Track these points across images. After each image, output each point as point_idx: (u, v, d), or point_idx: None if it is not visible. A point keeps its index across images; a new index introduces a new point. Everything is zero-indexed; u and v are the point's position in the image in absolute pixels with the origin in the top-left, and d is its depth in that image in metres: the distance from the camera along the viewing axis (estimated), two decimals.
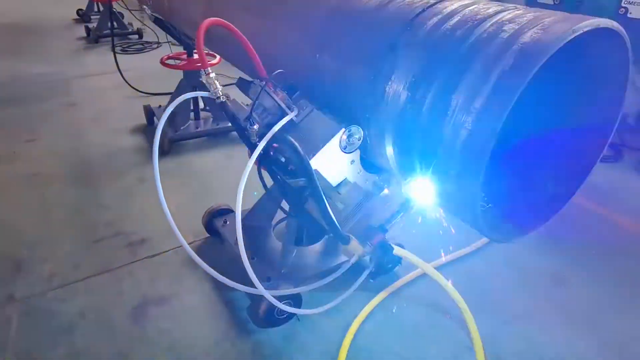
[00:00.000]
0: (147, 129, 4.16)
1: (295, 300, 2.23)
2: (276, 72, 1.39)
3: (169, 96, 4.05)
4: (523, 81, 0.94)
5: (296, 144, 1.23)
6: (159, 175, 1.38)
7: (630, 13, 3.15)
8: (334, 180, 1.39)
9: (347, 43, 1.40)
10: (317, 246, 2.61)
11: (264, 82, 1.49)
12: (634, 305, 2.41)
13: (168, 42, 4.44)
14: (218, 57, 3.82)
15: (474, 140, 1.00)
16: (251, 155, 1.35)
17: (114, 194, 3.24)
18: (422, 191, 1.22)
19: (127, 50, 6.42)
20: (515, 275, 2.63)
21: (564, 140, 1.35)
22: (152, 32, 6.67)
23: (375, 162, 1.44)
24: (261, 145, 1.28)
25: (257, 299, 2.22)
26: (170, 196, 3.30)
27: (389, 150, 1.30)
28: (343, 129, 1.33)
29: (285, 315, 2.26)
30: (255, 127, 1.38)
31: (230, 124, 3.94)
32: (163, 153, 3.70)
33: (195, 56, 3.82)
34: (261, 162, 1.52)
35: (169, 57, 3.72)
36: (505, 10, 1.12)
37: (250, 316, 2.28)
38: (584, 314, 2.36)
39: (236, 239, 2.47)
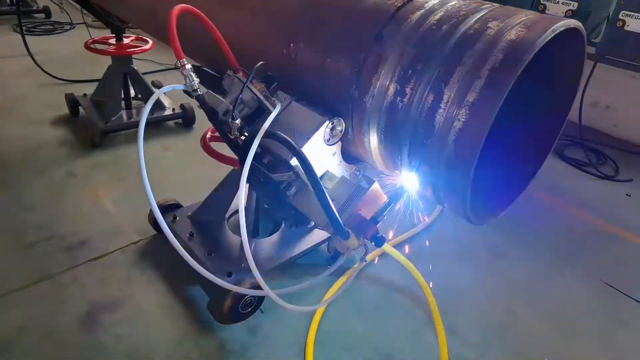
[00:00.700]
0: (72, 120, 3.79)
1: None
2: (259, 64, 1.35)
3: (95, 84, 3.71)
4: (514, 75, 1.01)
5: (289, 139, 1.21)
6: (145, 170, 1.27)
7: (548, 10, 3.48)
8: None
9: (326, 33, 1.40)
10: (274, 237, 2.59)
11: (240, 73, 1.43)
12: (563, 274, 2.72)
13: (85, 23, 4.03)
14: (151, 41, 3.58)
15: (468, 132, 1.06)
16: (244, 153, 1.27)
17: (41, 193, 2.93)
18: (410, 182, 1.27)
19: (33, 31, 5.75)
20: (459, 250, 2.84)
21: (524, 127, 1.48)
22: (60, 12, 6.05)
23: (355, 153, 1.46)
24: (255, 143, 1.23)
25: (218, 295, 2.17)
26: (107, 192, 3.09)
27: (373, 141, 1.32)
28: (327, 121, 1.33)
29: (249, 310, 2.23)
30: (237, 122, 1.33)
31: (163, 115, 3.82)
32: (93, 146, 3.40)
33: (126, 40, 3.54)
34: (242, 157, 1.47)
35: (95, 41, 3.40)
36: (484, 7, 1.18)
37: (213, 313, 2.22)
38: (522, 282, 2.63)
39: (189, 234, 2.39)
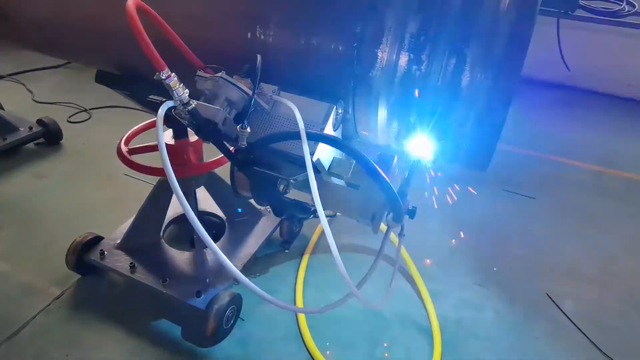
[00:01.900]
0: None
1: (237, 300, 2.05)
2: (258, 59, 1.15)
3: None
4: (532, 26, 1.06)
5: (339, 139, 1.09)
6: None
7: None
8: (327, 163, 1.29)
9: (300, 9, 1.26)
10: (224, 241, 2.39)
11: (209, 72, 1.21)
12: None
13: None
14: None
15: (499, 87, 1.09)
16: (248, 161, 1.09)
17: None
18: (426, 148, 1.27)
19: None
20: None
21: None
22: None
23: (351, 131, 1.39)
24: (306, 151, 1.06)
25: (194, 319, 1.94)
26: None
27: (381, 115, 1.28)
28: (334, 107, 1.23)
29: (231, 323, 2.06)
30: (248, 129, 1.13)
31: (20, 137, 3.05)
32: None
33: None
34: (241, 167, 1.27)
35: None
36: None
37: (193, 340, 1.99)
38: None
39: (130, 266, 2.05)
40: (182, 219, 2.50)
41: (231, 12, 1.33)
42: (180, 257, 2.24)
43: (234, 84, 1.17)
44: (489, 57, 1.08)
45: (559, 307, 2.31)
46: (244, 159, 1.24)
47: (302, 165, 1.20)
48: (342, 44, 1.22)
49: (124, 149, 2.02)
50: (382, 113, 1.27)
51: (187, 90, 1.06)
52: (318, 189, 1.20)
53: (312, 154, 1.18)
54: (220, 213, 2.52)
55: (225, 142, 1.20)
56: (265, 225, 2.48)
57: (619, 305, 2.36)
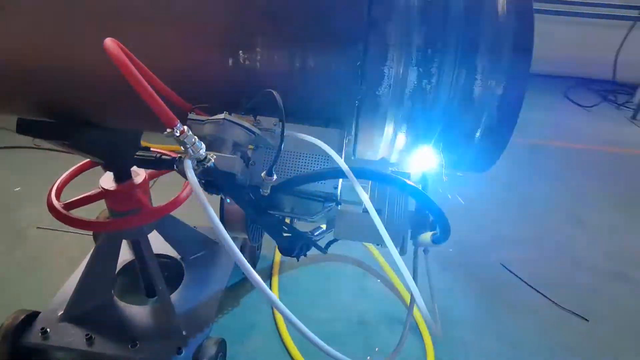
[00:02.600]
0: None
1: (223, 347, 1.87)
2: (244, 100, 0.99)
3: None
4: (532, 33, 1.09)
5: (403, 179, 1.00)
6: None
7: None
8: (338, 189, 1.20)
9: (288, 29, 1.13)
10: (183, 287, 2.14)
11: (224, 112, 1.03)
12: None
13: None
14: None
15: (509, 95, 1.11)
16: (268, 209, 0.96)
17: None
18: (432, 160, 1.25)
19: None
20: None
21: None
22: None
23: (354, 151, 1.32)
24: (366, 199, 0.93)
25: None
26: None
27: (388, 132, 1.22)
28: (344, 133, 1.14)
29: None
30: (274, 177, 0.99)
31: None
32: None
33: None
34: (260, 216, 1.12)
35: None
36: None
37: None
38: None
39: (87, 338, 1.75)
40: (127, 267, 2.20)
41: (205, 37, 1.15)
42: (143, 313, 1.96)
43: (241, 125, 1.02)
44: (499, 65, 1.09)
45: (515, 274, 2.52)
46: (265, 206, 1.10)
47: (324, 201, 1.11)
48: (343, 64, 1.13)
49: (57, 204, 1.69)
50: (388, 130, 1.22)
51: (203, 144, 0.89)
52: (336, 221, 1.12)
53: (335, 187, 1.09)
54: (172, 253, 2.26)
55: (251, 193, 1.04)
56: (226, 255, 2.30)
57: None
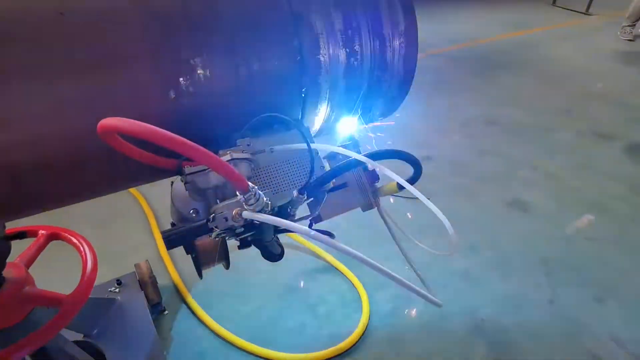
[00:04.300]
0: None
1: None
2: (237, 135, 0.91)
3: None
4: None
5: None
6: None
7: None
8: None
9: (231, 37, 1.07)
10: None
11: (227, 153, 0.93)
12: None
13: None
14: None
15: (409, 52, 1.35)
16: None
17: None
18: (354, 123, 1.44)
19: None
20: None
21: None
22: None
23: None
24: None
25: None
26: None
27: (324, 111, 1.33)
28: (307, 127, 1.19)
29: None
30: (305, 195, 0.96)
31: None
32: None
33: None
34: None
35: None
36: None
37: None
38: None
39: None
40: None
41: (136, 77, 1.00)
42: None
43: (246, 159, 0.97)
44: (397, 29, 1.32)
45: None
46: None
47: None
48: (285, 61, 1.17)
49: None
50: (324, 109, 1.33)
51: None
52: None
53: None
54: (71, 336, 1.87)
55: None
56: (140, 311, 2.03)
57: None
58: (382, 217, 1.47)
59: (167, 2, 1.02)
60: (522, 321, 2.25)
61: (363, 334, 2.14)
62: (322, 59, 1.22)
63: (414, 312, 2.27)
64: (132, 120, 0.76)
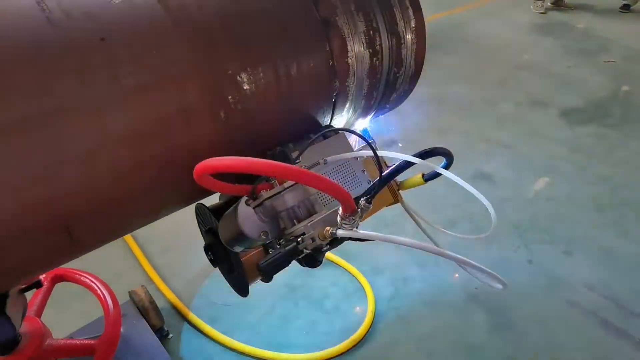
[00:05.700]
0: None
1: None
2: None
3: None
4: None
5: None
6: None
7: None
8: None
9: (270, 47, 1.04)
10: None
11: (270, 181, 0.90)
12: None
13: None
14: None
15: (419, 47, 1.39)
16: None
17: None
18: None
19: None
20: None
21: None
22: None
23: None
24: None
25: None
26: None
27: (347, 111, 1.33)
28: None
29: None
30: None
31: None
32: None
33: None
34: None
35: None
36: None
37: None
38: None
39: None
40: None
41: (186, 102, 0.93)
42: None
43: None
44: (409, 25, 1.34)
45: None
46: None
47: None
48: (320, 67, 1.15)
49: None
50: (348, 111, 1.34)
51: None
52: None
53: None
54: None
55: None
56: (147, 339, 1.92)
57: None
58: (407, 210, 1.52)
59: (207, 17, 0.96)
60: (509, 283, 2.44)
61: (372, 321, 2.20)
62: (349, 61, 1.22)
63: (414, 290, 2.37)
64: (228, 158, 0.72)
